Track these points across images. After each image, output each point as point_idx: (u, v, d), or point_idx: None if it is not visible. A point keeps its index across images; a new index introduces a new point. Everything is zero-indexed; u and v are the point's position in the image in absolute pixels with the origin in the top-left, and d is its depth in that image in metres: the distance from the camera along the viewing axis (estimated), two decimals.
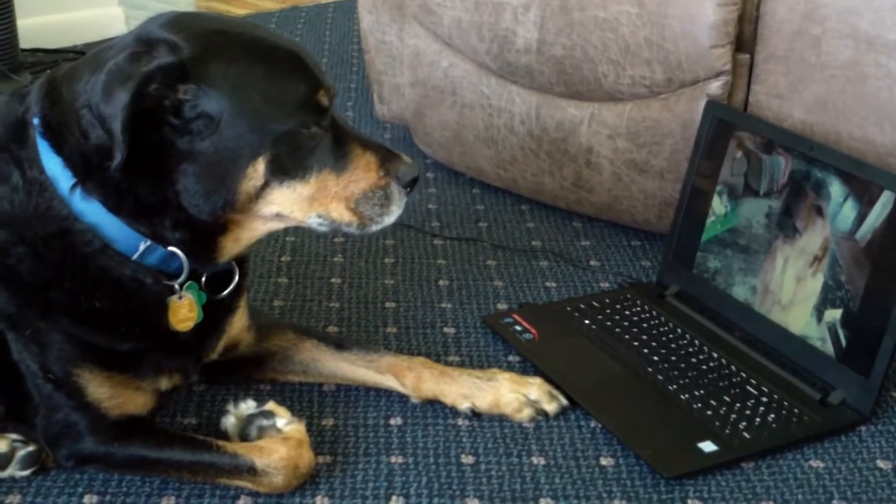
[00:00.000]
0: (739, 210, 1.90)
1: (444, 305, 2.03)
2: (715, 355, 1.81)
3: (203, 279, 1.50)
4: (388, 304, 2.03)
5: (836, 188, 1.72)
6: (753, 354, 1.82)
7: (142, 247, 1.39)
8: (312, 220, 1.45)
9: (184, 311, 1.47)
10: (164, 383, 1.54)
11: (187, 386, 1.72)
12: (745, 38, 2.05)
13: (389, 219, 1.49)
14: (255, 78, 1.36)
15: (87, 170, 1.35)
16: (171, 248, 1.41)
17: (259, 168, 1.36)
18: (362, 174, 1.45)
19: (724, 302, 1.91)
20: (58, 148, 1.36)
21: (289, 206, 1.42)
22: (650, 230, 2.29)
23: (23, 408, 1.49)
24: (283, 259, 2.19)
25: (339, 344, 1.77)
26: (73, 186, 1.36)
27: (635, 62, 2.11)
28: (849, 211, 1.70)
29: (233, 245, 1.47)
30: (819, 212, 1.75)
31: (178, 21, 1.38)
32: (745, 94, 2.08)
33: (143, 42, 1.35)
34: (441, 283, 2.12)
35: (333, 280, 2.12)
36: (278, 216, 1.44)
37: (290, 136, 1.37)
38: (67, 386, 1.44)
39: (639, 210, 2.24)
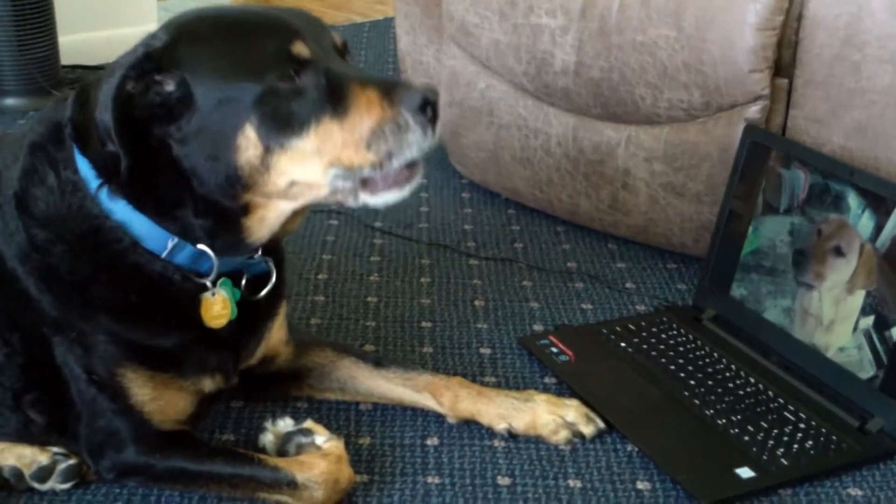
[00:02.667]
0: (761, 230, 1.90)
1: (480, 326, 2.04)
2: (752, 380, 1.81)
3: (244, 280, 1.51)
4: (424, 324, 2.04)
5: (860, 204, 1.72)
6: (791, 380, 1.81)
7: (170, 244, 1.41)
8: (331, 178, 1.36)
9: (217, 308, 1.47)
10: (207, 384, 1.54)
11: (226, 401, 1.74)
12: (783, 62, 2.05)
13: (411, 150, 1.35)
14: (222, 48, 1.36)
15: (108, 172, 1.39)
16: (200, 246, 1.42)
17: (250, 135, 1.34)
18: (365, 112, 1.34)
19: (760, 326, 1.91)
20: (84, 150, 1.40)
21: (298, 168, 1.35)
22: (686, 253, 2.28)
23: (65, 418, 1.51)
24: (319, 277, 2.21)
25: (377, 362, 1.77)
26: (100, 186, 1.39)
27: (673, 85, 2.11)
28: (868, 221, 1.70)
29: (259, 227, 1.43)
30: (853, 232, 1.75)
31: (174, 17, 1.42)
32: (784, 119, 2.08)
33: (138, 45, 1.39)
34: (477, 303, 2.12)
35: (370, 299, 2.13)
36: (294, 184, 1.37)
37: (269, 94, 1.33)
38: (111, 388, 1.46)
39: (675, 233, 2.24)
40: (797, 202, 1.86)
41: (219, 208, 1.40)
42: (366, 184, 1.37)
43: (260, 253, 1.51)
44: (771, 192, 1.91)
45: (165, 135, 1.36)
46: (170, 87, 1.34)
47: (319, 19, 1.46)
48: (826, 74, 1.98)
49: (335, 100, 1.34)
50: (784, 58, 2.04)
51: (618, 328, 1.97)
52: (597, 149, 2.30)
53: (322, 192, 1.38)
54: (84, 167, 1.40)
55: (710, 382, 1.80)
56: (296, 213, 1.46)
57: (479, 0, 2.38)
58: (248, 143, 1.34)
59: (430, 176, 2.78)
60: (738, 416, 1.71)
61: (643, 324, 1.99)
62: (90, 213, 1.41)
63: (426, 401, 1.73)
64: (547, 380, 1.86)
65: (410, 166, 1.38)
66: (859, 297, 1.73)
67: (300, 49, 1.35)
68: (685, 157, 2.15)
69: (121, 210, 1.40)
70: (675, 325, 1.98)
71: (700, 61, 2.05)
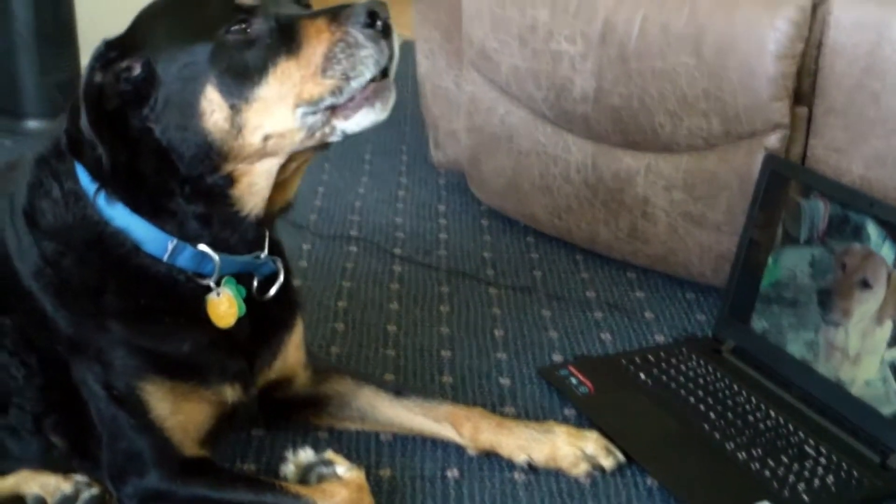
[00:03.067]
0: (781, 261, 1.90)
1: (499, 355, 2.04)
2: (772, 413, 1.80)
3: (255, 282, 1.51)
4: (443, 353, 2.04)
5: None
6: (811, 413, 1.80)
7: (170, 246, 1.42)
8: (300, 118, 1.35)
9: (223, 307, 1.46)
10: (227, 392, 1.53)
11: (247, 429, 1.74)
12: (803, 91, 2.04)
13: (366, 66, 1.31)
14: (173, 18, 1.38)
15: (102, 177, 1.40)
16: (200, 247, 1.43)
17: (212, 97, 1.34)
18: (316, 41, 1.33)
19: (780, 358, 1.90)
20: (79, 159, 1.42)
21: (268, 118, 1.34)
22: (705, 283, 2.28)
23: (86, 442, 1.51)
24: (339, 304, 2.21)
25: (398, 392, 1.78)
26: (97, 192, 1.41)
27: (692, 113, 2.11)
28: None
29: (249, 196, 1.42)
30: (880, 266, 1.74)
31: None
32: (804, 148, 2.07)
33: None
34: (496, 332, 2.12)
35: (389, 327, 2.13)
36: (269, 137, 1.36)
37: (221, 49, 1.33)
38: (131, 402, 1.46)
39: (694, 263, 2.23)
40: (817, 233, 1.85)
41: (205, 186, 1.40)
42: (336, 112, 1.35)
43: (266, 253, 1.51)
44: (791, 223, 1.90)
45: (142, 119, 1.38)
46: (136, 71, 1.37)
47: None
48: (846, 103, 1.98)
49: (288, 40, 1.34)
50: (804, 86, 2.04)
51: (637, 359, 1.97)
52: (616, 176, 2.30)
53: (298, 136, 1.37)
54: (83, 176, 1.42)
55: (730, 415, 1.80)
56: (286, 172, 1.44)
57: (498, 25, 2.39)
58: (213, 105, 1.34)
59: (448, 202, 2.79)
60: (759, 450, 1.70)
61: (662, 355, 1.99)
62: (92, 221, 1.42)
63: (446, 431, 1.73)
64: (567, 411, 1.86)
65: (377, 83, 1.35)
66: (887, 329, 1.72)
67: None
68: (704, 185, 2.15)
69: (119, 215, 1.42)
70: (694, 357, 1.97)
71: (720, 89, 2.05)
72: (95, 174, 1.41)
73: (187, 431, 1.50)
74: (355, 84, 1.32)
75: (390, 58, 1.34)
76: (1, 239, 1.49)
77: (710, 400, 1.84)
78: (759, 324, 1.95)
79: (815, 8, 1.96)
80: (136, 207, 1.41)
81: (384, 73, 1.35)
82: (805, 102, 2.05)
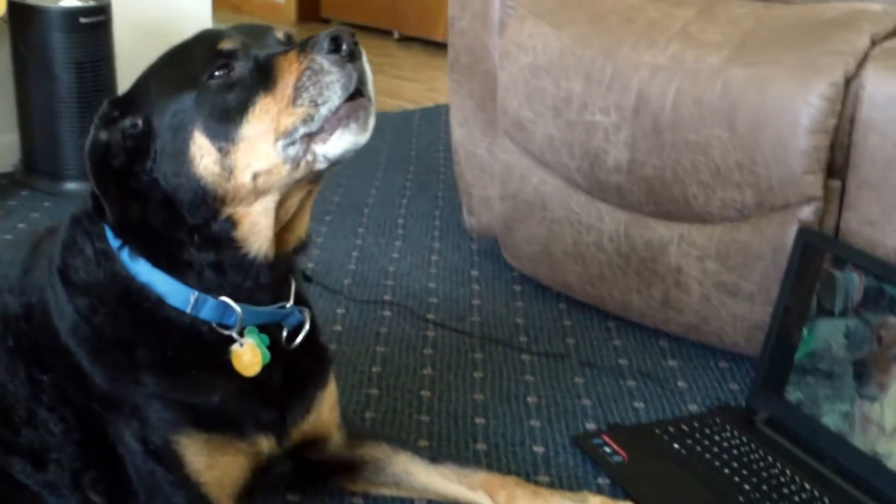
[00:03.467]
0: (816, 333, 1.90)
1: (532, 423, 2.05)
2: (807, 486, 1.80)
3: (284, 333, 1.53)
4: (477, 420, 2.05)
5: None
6: (847, 486, 1.80)
7: (192, 299, 1.45)
8: (282, 152, 1.35)
9: (247, 357, 1.48)
10: (262, 444, 1.54)
11: (282, 494, 1.76)
12: (836, 164, 2.06)
13: (333, 90, 1.32)
14: (165, 72, 1.43)
15: (122, 232, 1.45)
16: (222, 298, 1.45)
17: (200, 142, 1.37)
18: (287, 73, 1.34)
19: (815, 430, 1.90)
20: (101, 216, 1.45)
21: (254, 157, 1.36)
22: (738, 352, 2.29)
23: (125, 500, 1.53)
24: (373, 369, 2.23)
25: (433, 458, 1.78)
26: (119, 249, 1.46)
27: (726, 185, 2.14)
28: None
29: (254, 237, 1.44)
30: None
31: None
32: (837, 220, 2.09)
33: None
34: (530, 399, 2.13)
35: (423, 393, 2.15)
36: (257, 176, 1.37)
37: (204, 95, 1.37)
38: (167, 457, 1.47)
39: (727, 332, 2.24)
40: (852, 305, 1.86)
41: (211, 233, 1.43)
42: (314, 138, 1.36)
43: (291, 303, 1.54)
44: (825, 294, 1.92)
45: (147, 173, 1.42)
46: (137, 127, 1.41)
47: (268, 25, 1.49)
48: (879, 177, 2.00)
49: (265, 77, 1.36)
50: (837, 160, 2.06)
51: (671, 428, 1.97)
52: (649, 246, 2.32)
53: (283, 170, 1.37)
54: (110, 234, 1.47)
55: (764, 487, 1.79)
56: (287, 209, 1.45)
57: (533, 96, 2.43)
58: (202, 150, 1.37)
59: (481, 268, 2.82)
60: None
61: (696, 425, 1.99)
62: (120, 277, 1.46)
63: (481, 499, 1.73)
64: (601, 480, 1.86)
65: (351, 103, 1.34)
66: None
67: (226, 44, 1.38)
68: (738, 256, 2.17)
69: (143, 270, 1.45)
70: (728, 427, 1.98)
71: (753, 162, 2.08)
72: (116, 231, 1.46)
73: (223, 487, 1.52)
74: (324, 110, 1.33)
75: (361, 80, 1.34)
76: (44, 298, 1.53)
77: (744, 471, 1.84)
78: (793, 394, 1.95)
79: (847, 83, 1.99)
80: (156, 262, 1.45)
81: (360, 93, 1.35)
82: (838, 176, 2.07)
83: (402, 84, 5.24)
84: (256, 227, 1.44)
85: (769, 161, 2.06)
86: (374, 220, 3.15)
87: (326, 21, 6.99)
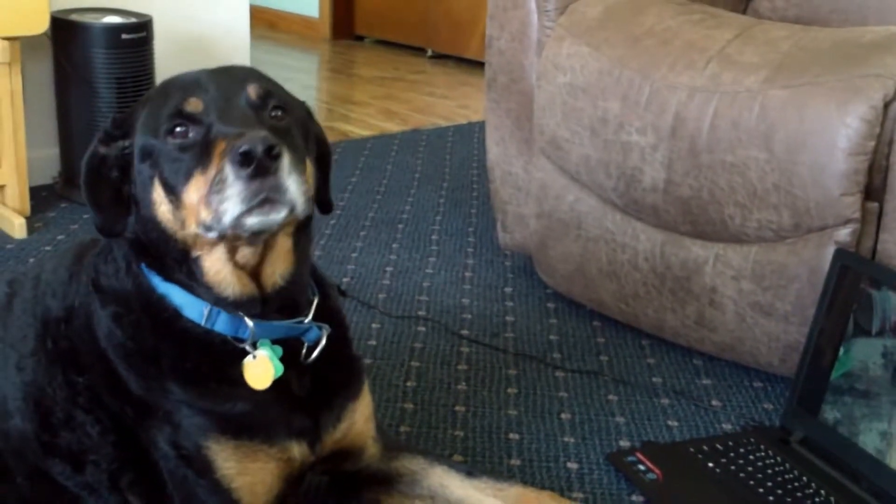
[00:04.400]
0: (853, 353, 1.91)
1: (566, 439, 2.06)
2: None
3: (304, 348, 1.54)
4: (511, 436, 2.06)
5: None
6: None
7: (205, 311, 1.47)
8: (205, 231, 1.38)
9: (257, 370, 1.49)
10: (294, 450, 1.55)
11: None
12: (874, 186, 2.07)
13: (233, 204, 1.32)
14: (149, 108, 1.45)
15: (136, 245, 1.51)
16: (238, 312, 1.48)
17: (158, 190, 1.41)
18: (211, 165, 1.34)
19: (850, 450, 1.90)
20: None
21: (193, 218, 1.38)
22: (773, 372, 2.29)
23: (161, 501, 1.55)
24: (408, 384, 2.25)
25: (469, 472, 1.79)
26: (137, 261, 1.51)
27: (762, 206, 2.14)
28: None
29: (221, 279, 1.45)
30: None
31: None
32: (874, 242, 2.09)
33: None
34: (563, 415, 2.15)
35: (458, 408, 2.16)
36: (198, 235, 1.40)
37: (164, 150, 1.40)
38: (199, 462, 1.49)
39: (762, 352, 2.25)
40: (889, 325, 1.87)
41: (189, 266, 1.46)
42: None
43: (310, 318, 1.55)
44: (862, 315, 1.92)
45: (132, 193, 1.48)
46: (128, 150, 1.46)
47: (249, 73, 1.48)
48: None
49: (204, 155, 1.36)
50: (875, 182, 2.06)
51: (705, 447, 1.98)
52: (684, 265, 2.33)
53: (212, 237, 1.39)
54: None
55: None
56: (251, 257, 1.45)
57: (570, 116, 2.45)
58: (160, 197, 1.42)
59: (515, 284, 2.83)
60: None
61: (731, 444, 1.99)
62: (143, 288, 1.50)
63: None
64: (635, 498, 1.87)
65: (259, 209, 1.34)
66: None
67: (190, 105, 1.40)
68: (774, 276, 2.17)
69: (160, 282, 1.49)
70: (762, 447, 1.98)
71: (790, 183, 2.08)
72: (132, 246, 1.51)
73: (255, 494, 1.53)
74: (225, 219, 1.33)
75: (273, 190, 1.32)
76: (85, 303, 1.57)
77: (778, 491, 1.84)
78: (829, 415, 1.96)
79: (886, 105, 1.99)
80: (169, 279, 1.49)
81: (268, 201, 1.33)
82: (876, 198, 2.07)
83: (435, 101, 5.28)
84: (219, 275, 1.46)
85: (807, 183, 2.06)
86: (409, 236, 3.18)
87: (361, 38, 7.05)
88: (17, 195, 3.18)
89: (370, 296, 2.70)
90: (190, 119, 1.39)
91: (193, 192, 1.37)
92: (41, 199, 3.39)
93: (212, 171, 1.34)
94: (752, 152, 2.13)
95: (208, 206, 1.34)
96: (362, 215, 3.36)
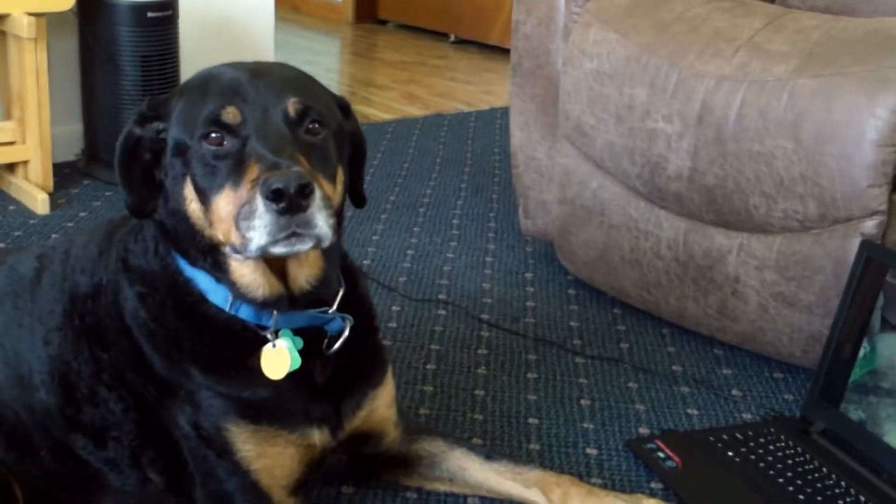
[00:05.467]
0: (879, 349, 1.90)
1: (586, 425, 2.06)
2: (862, 498, 1.79)
3: (327, 338, 1.54)
4: (531, 420, 2.06)
5: None
6: None
7: (229, 298, 1.48)
8: (231, 251, 1.41)
9: (274, 360, 1.49)
10: (315, 436, 1.56)
11: (337, 486, 1.78)
12: None
13: (259, 235, 1.33)
14: (186, 103, 1.45)
15: (164, 232, 1.51)
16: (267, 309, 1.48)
17: (189, 188, 1.42)
18: (245, 187, 1.35)
19: (870, 442, 1.90)
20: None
21: (220, 223, 1.40)
22: (794, 363, 2.28)
23: (182, 480, 1.56)
24: (428, 367, 2.25)
25: (488, 455, 1.80)
26: (165, 244, 1.51)
27: (788, 196, 2.13)
28: None
29: (248, 282, 1.46)
30: None
31: None
32: None
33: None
34: (583, 401, 2.14)
35: (477, 392, 2.16)
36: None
37: (198, 151, 1.40)
38: (219, 444, 1.50)
39: (784, 343, 2.24)
40: None
41: (214, 253, 1.46)
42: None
43: (334, 309, 1.55)
44: (889, 310, 1.91)
45: (162, 177, 1.48)
46: (163, 134, 1.46)
47: (288, 83, 1.46)
48: None
49: (237, 170, 1.37)
50: None
51: (725, 436, 1.98)
52: (707, 254, 2.32)
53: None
54: None
55: (819, 498, 1.79)
56: (278, 263, 1.46)
57: (595, 102, 2.44)
58: (191, 195, 1.42)
59: (536, 270, 2.83)
60: None
61: (750, 433, 1.99)
62: (170, 269, 1.52)
63: (535, 497, 1.74)
64: (653, 485, 1.87)
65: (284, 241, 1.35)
66: None
67: (228, 115, 1.39)
68: (798, 267, 2.16)
69: (187, 266, 1.50)
70: (782, 437, 1.98)
71: (817, 174, 2.07)
72: (161, 230, 1.51)
73: (275, 477, 1.54)
74: (252, 246, 1.34)
75: (301, 225, 1.33)
76: (113, 280, 1.57)
77: (798, 481, 1.84)
78: (850, 408, 1.95)
79: None
80: (192, 262, 1.49)
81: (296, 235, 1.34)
82: None
83: (458, 86, 5.27)
84: (245, 276, 1.46)
85: (834, 173, 2.05)
86: (430, 220, 3.18)
87: (383, 23, 7.04)
88: (41, 171, 3.19)
89: (391, 279, 2.71)
90: (226, 128, 1.39)
91: (223, 203, 1.38)
92: (64, 175, 3.41)
93: (242, 193, 1.35)
94: (779, 142, 2.11)
95: (237, 229, 1.35)
96: (384, 198, 3.36)
